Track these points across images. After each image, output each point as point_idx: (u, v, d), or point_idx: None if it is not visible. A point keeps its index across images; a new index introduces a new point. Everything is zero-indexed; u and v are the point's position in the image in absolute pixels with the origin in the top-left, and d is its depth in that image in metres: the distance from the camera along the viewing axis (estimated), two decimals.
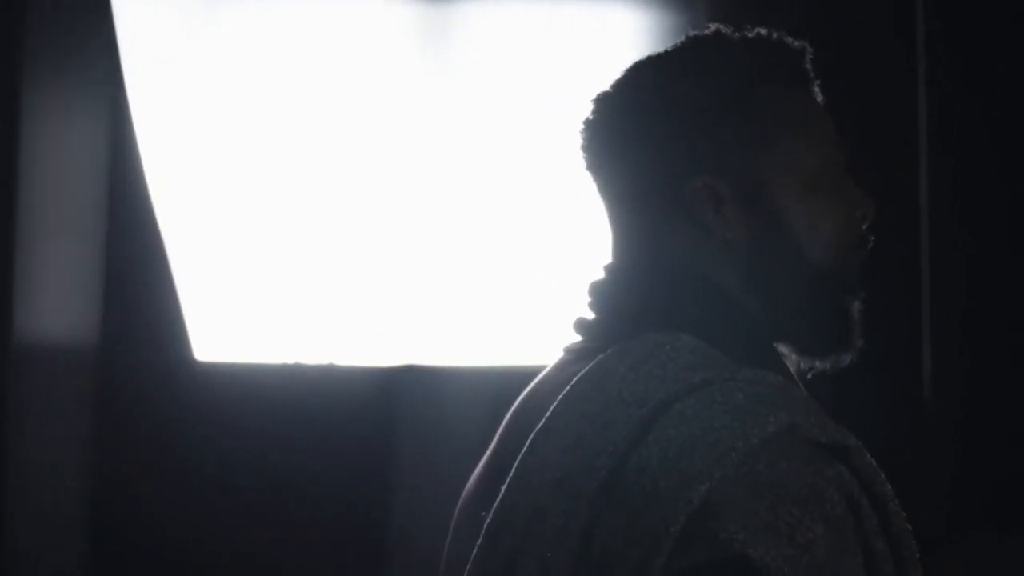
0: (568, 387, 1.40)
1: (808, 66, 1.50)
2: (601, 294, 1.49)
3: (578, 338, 1.51)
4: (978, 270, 3.04)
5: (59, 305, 2.76)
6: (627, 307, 1.46)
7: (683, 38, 1.52)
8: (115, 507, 2.76)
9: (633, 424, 1.33)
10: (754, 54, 1.47)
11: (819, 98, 1.51)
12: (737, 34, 1.50)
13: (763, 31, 1.49)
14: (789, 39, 1.50)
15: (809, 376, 1.49)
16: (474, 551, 1.37)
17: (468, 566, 1.38)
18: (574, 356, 1.48)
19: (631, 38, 2.99)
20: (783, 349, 1.49)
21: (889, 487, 1.36)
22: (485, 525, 1.37)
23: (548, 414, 1.39)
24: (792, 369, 1.49)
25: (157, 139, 2.83)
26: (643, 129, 1.47)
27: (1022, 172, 3.02)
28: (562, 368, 1.48)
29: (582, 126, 1.53)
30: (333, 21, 2.90)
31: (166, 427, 2.76)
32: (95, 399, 2.75)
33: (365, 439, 2.83)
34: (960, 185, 3.02)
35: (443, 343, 2.89)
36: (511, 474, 1.37)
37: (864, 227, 1.48)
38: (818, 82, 1.51)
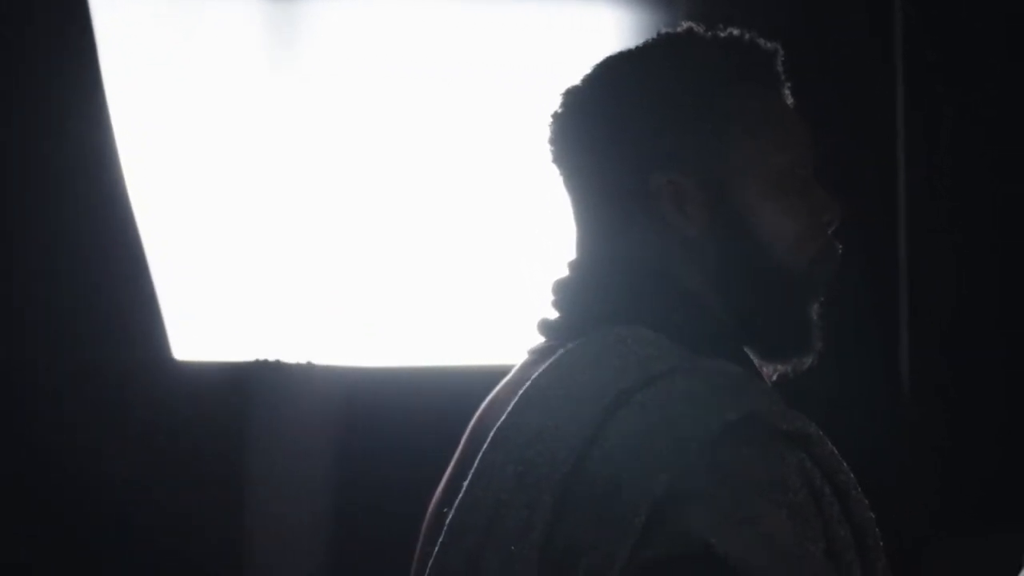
0: (528, 383, 1.40)
1: (780, 68, 1.49)
2: (564, 292, 1.49)
3: (542, 339, 1.51)
4: (956, 267, 3.05)
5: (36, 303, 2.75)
6: (589, 304, 1.46)
7: (655, 35, 1.51)
8: (97, 506, 2.75)
9: (594, 416, 1.33)
10: (726, 53, 1.47)
11: (790, 100, 1.51)
12: (710, 33, 1.49)
13: (736, 32, 1.49)
14: (762, 40, 1.49)
15: (774, 378, 1.48)
16: (436, 548, 1.37)
17: (430, 564, 1.38)
18: (537, 356, 1.48)
19: (602, 36, 2.99)
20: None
21: (851, 476, 1.35)
22: (447, 522, 1.37)
23: (509, 410, 1.39)
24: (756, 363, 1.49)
25: (135, 136, 2.82)
26: (610, 124, 1.47)
27: (999, 169, 3.03)
28: (525, 368, 1.48)
29: (550, 119, 1.52)
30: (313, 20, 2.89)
31: (144, 425, 2.75)
32: (73, 397, 2.74)
33: (341, 437, 2.82)
34: (938, 183, 3.03)
35: (419, 343, 2.89)
36: (472, 471, 1.37)
37: (831, 232, 1.47)
38: (789, 84, 1.50)
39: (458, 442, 1.51)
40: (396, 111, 2.90)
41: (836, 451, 1.36)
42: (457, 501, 1.37)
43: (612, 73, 1.49)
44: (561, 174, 1.53)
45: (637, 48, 1.50)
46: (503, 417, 1.39)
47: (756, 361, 1.47)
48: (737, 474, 1.27)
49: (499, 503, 1.34)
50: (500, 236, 2.92)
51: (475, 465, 1.38)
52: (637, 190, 1.45)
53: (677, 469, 1.26)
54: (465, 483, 1.37)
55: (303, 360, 2.83)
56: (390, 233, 2.90)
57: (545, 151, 1.54)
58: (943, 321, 3.04)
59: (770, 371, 1.48)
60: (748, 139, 1.45)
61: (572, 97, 1.51)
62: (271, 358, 2.82)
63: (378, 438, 2.82)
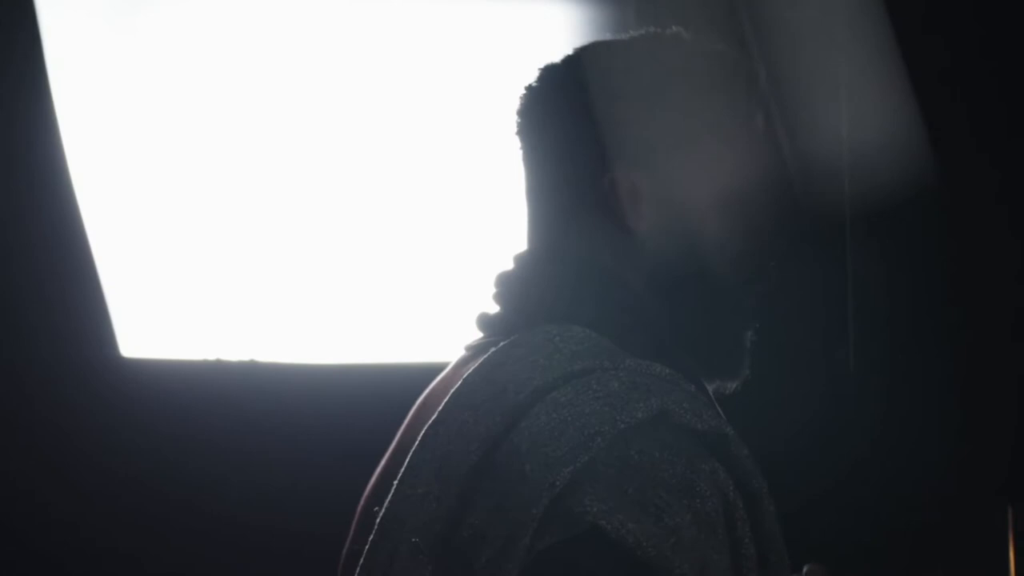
0: (459, 382, 1.41)
1: (759, 89, 1.49)
2: (505, 286, 1.49)
3: (480, 335, 1.50)
4: (899, 269, 3.07)
5: None
6: (527, 301, 1.46)
7: (644, 31, 1.51)
8: (36, 503, 2.74)
9: (508, 411, 1.34)
10: (710, 64, 1.46)
11: (762, 122, 1.50)
12: (699, 42, 1.48)
13: (725, 46, 1.48)
14: (748, 59, 1.49)
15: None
16: (367, 547, 1.38)
17: (360, 561, 1.39)
18: (472, 353, 1.49)
19: (552, 32, 3.00)
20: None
21: (765, 485, 1.35)
22: (378, 520, 1.38)
23: (439, 409, 1.40)
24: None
25: (80, 133, 2.80)
26: (579, 110, 1.46)
27: (941, 168, 3.05)
28: (458, 366, 1.49)
29: (523, 91, 1.51)
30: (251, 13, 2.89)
31: (90, 423, 2.74)
32: (19, 395, 2.73)
33: (288, 435, 2.83)
34: (883, 188, 3.05)
35: (361, 341, 2.89)
36: (402, 469, 1.39)
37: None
38: (765, 107, 1.49)
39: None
40: (345, 109, 2.90)
41: (751, 457, 1.36)
42: (388, 499, 1.39)
43: (592, 60, 1.49)
44: (521, 148, 1.52)
45: (622, 40, 1.50)
46: (433, 416, 1.40)
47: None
48: (644, 472, 1.27)
49: (420, 498, 1.35)
50: (441, 233, 2.92)
51: (405, 463, 1.39)
52: (592, 182, 1.45)
53: (581, 463, 1.27)
54: (395, 481, 1.39)
55: (245, 358, 2.83)
56: (331, 231, 2.90)
57: (507, 128, 1.53)
58: (886, 321, 3.07)
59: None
60: (713, 151, 1.45)
61: (548, 75, 1.50)
62: (212, 357, 2.81)
63: (320, 435, 2.82)
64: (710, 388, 1.47)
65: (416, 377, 1.62)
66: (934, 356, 3.07)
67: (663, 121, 1.44)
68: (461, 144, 2.89)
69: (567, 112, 1.46)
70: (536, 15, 3.03)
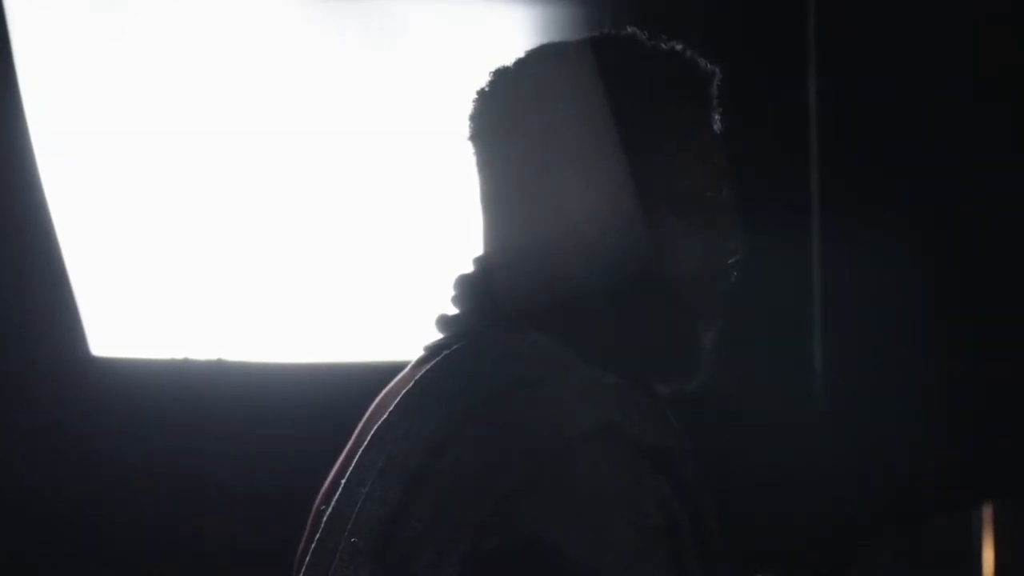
0: (411, 384, 1.40)
1: (713, 91, 1.47)
2: (462, 289, 1.48)
3: (439, 335, 1.50)
4: (869, 268, 3.08)
5: None
6: (483, 305, 1.45)
7: (596, 34, 1.50)
8: (6, 501, 2.73)
9: (455, 416, 1.33)
10: (659, 65, 1.45)
11: (717, 125, 1.49)
12: (651, 42, 1.47)
13: (678, 46, 1.47)
14: (701, 60, 1.47)
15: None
16: (312, 545, 1.39)
17: (307, 560, 1.39)
18: (428, 354, 1.48)
19: (520, 32, 3.00)
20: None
21: (712, 503, 1.35)
22: (324, 520, 1.38)
23: (390, 410, 1.39)
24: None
25: (49, 131, 2.80)
26: (528, 113, 1.45)
27: (912, 169, 3.06)
28: (417, 366, 1.48)
29: (475, 95, 1.50)
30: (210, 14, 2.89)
31: (61, 420, 2.74)
32: None
33: (256, 434, 2.82)
34: (850, 183, 3.06)
35: (329, 340, 2.89)
36: (350, 469, 1.39)
37: (729, 261, 1.45)
38: (720, 110, 1.48)
39: None
40: (318, 108, 2.91)
41: (699, 474, 1.36)
42: (334, 499, 1.39)
43: (541, 64, 1.48)
44: (475, 153, 1.50)
45: (572, 43, 1.49)
46: (383, 417, 1.40)
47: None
48: (587, 484, 1.27)
49: (364, 498, 1.35)
50: (413, 233, 2.92)
51: (352, 464, 1.39)
52: (543, 184, 1.44)
53: (524, 472, 1.27)
54: (342, 481, 1.39)
55: (213, 357, 2.83)
56: (301, 231, 2.90)
57: (461, 131, 1.52)
58: (855, 324, 3.07)
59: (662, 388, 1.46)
60: (662, 153, 1.43)
61: (500, 78, 1.49)
62: (180, 356, 2.81)
63: (288, 433, 2.82)
64: (667, 389, 1.45)
65: (384, 375, 1.62)
66: (906, 352, 3.08)
67: (609, 125, 1.43)
68: (439, 143, 2.89)
69: (518, 116, 1.45)
70: (513, 17, 3.04)
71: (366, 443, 1.39)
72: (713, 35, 3.12)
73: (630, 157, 1.43)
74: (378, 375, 1.64)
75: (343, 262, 2.91)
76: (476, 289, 1.46)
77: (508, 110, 1.47)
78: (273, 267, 2.89)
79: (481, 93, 1.49)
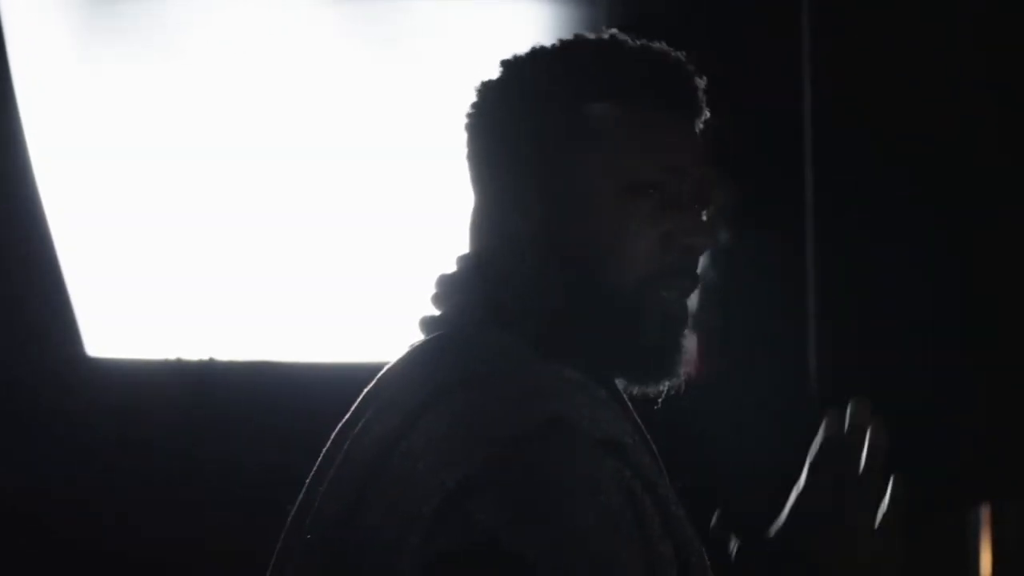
0: (372, 382, 1.42)
1: (686, 93, 1.45)
2: (441, 288, 1.48)
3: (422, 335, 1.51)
4: (863, 272, 3.08)
5: None
6: (455, 303, 1.45)
7: (564, 38, 1.49)
8: (11, 501, 2.74)
9: (408, 411, 1.34)
10: (613, 65, 1.44)
11: (697, 125, 1.47)
12: (614, 43, 1.46)
13: (647, 45, 1.45)
14: (670, 58, 1.45)
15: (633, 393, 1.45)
16: (278, 544, 1.41)
17: (272, 561, 1.41)
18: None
19: (525, 32, 3.00)
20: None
21: (672, 491, 1.35)
22: (289, 518, 1.40)
23: (352, 410, 1.41)
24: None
25: (46, 134, 2.81)
26: (494, 123, 1.46)
27: (905, 176, 3.06)
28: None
29: (469, 108, 1.50)
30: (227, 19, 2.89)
31: (57, 421, 2.74)
32: None
33: (253, 433, 2.83)
34: (845, 187, 3.06)
35: (324, 339, 2.90)
36: (313, 471, 1.40)
37: (689, 256, 1.43)
38: (706, 113, 1.46)
39: None
40: (308, 109, 2.91)
41: (654, 463, 1.36)
42: (299, 498, 1.41)
43: (508, 72, 1.49)
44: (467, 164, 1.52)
45: (538, 48, 1.49)
46: (346, 416, 1.41)
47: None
48: (541, 474, 1.26)
49: (323, 496, 1.37)
50: (408, 233, 2.92)
51: (317, 462, 1.41)
52: (495, 191, 1.45)
53: (474, 464, 1.27)
54: (307, 481, 1.41)
55: (204, 357, 2.84)
56: (295, 232, 2.91)
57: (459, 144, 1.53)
58: (847, 321, 3.07)
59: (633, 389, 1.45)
60: (600, 151, 1.43)
61: (483, 87, 1.50)
62: (172, 356, 2.82)
63: (279, 432, 2.82)
64: (635, 391, 1.44)
65: (375, 375, 1.63)
66: (903, 352, 3.08)
67: (551, 127, 1.43)
68: (435, 143, 2.90)
69: (488, 125, 1.47)
70: (511, 15, 3.04)
71: (329, 442, 1.41)
72: (708, 34, 3.12)
73: (568, 158, 1.43)
74: (370, 375, 1.64)
75: (336, 262, 2.92)
76: (454, 288, 1.47)
77: (481, 122, 1.48)
78: (265, 268, 2.89)
79: (471, 105, 1.49)
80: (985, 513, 3.15)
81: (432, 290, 1.49)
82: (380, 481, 1.31)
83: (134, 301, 2.85)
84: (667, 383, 1.43)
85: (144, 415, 2.78)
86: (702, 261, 1.46)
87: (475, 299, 1.44)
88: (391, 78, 2.93)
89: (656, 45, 1.45)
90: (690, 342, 1.44)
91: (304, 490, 1.41)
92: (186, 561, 2.79)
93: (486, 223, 1.46)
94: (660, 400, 1.43)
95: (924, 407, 3.08)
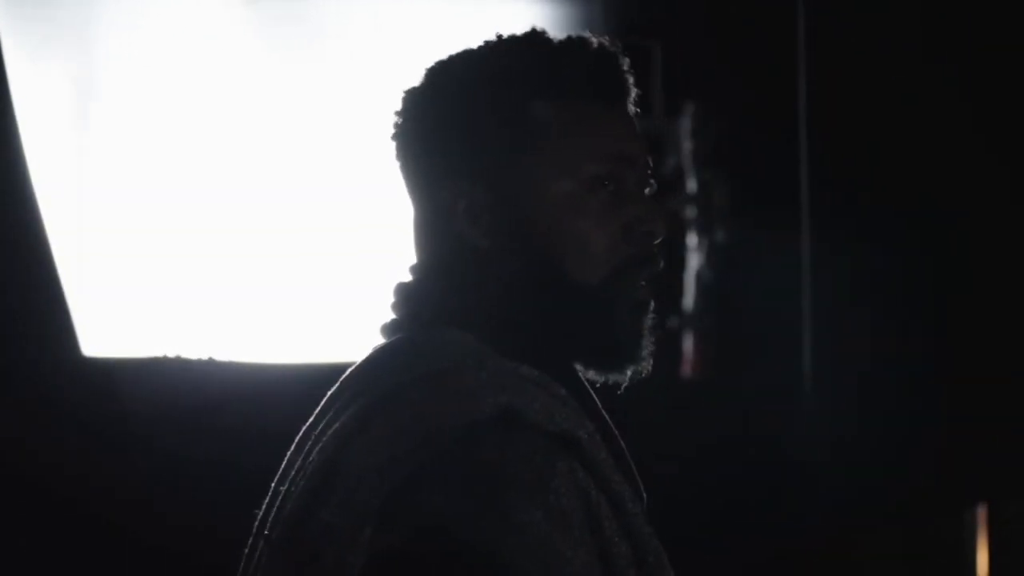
0: (337, 384, 1.42)
1: (617, 78, 1.45)
2: (398, 295, 1.48)
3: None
4: (858, 269, 3.08)
5: None
6: (412, 307, 1.45)
7: (489, 40, 1.48)
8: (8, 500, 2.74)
9: (364, 409, 1.34)
10: (544, 61, 1.44)
11: (630, 110, 1.47)
12: (542, 38, 1.46)
13: (574, 37, 1.45)
14: (600, 46, 1.45)
15: (597, 385, 1.46)
16: (247, 547, 1.42)
17: (242, 564, 1.43)
18: None
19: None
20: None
21: (627, 487, 1.34)
22: (256, 524, 1.41)
23: (316, 411, 1.42)
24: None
25: (41, 134, 2.80)
26: (426, 130, 1.46)
27: (900, 174, 3.07)
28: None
29: (395, 118, 1.50)
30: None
31: (53, 421, 2.74)
32: None
33: (250, 434, 2.82)
34: (840, 188, 3.06)
35: (321, 340, 2.89)
36: (279, 473, 1.42)
37: (650, 243, 1.44)
38: (634, 95, 1.46)
39: None
40: (297, 111, 2.91)
41: (612, 458, 1.35)
42: (265, 502, 1.43)
43: (436, 77, 1.48)
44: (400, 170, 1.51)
45: (463, 53, 1.48)
46: (310, 419, 1.42)
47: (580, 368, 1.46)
48: (492, 469, 1.27)
49: (283, 496, 1.38)
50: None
51: (281, 467, 1.43)
52: (439, 200, 1.44)
53: (425, 458, 1.28)
54: (272, 484, 1.43)
55: (204, 356, 2.83)
56: (292, 232, 2.90)
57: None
58: (844, 326, 3.08)
59: (597, 378, 1.45)
60: (548, 150, 1.42)
61: (407, 96, 1.49)
62: (171, 354, 2.82)
63: (276, 432, 2.82)
64: (604, 379, 1.45)
65: None
66: (899, 355, 3.09)
67: (492, 130, 1.42)
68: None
69: (420, 134, 1.46)
70: (504, 15, 3.04)
71: (293, 445, 1.42)
72: (704, 33, 3.12)
73: (514, 159, 1.42)
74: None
75: (333, 262, 2.92)
76: (412, 295, 1.46)
77: (412, 131, 1.47)
78: (262, 267, 2.89)
79: (397, 114, 1.49)
80: (981, 513, 3.15)
81: (391, 299, 1.48)
82: (335, 478, 1.31)
83: (130, 300, 2.85)
84: (636, 370, 1.44)
85: (140, 414, 2.78)
86: (661, 244, 1.46)
87: (433, 302, 1.44)
88: (388, 78, 2.93)
89: (577, 35, 1.45)
90: (656, 327, 1.45)
91: (270, 492, 1.42)
92: (183, 560, 2.79)
93: (434, 230, 1.45)
94: (624, 387, 1.44)
95: (919, 407, 3.09)
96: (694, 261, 3.52)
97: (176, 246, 2.86)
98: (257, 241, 2.90)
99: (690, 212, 3.56)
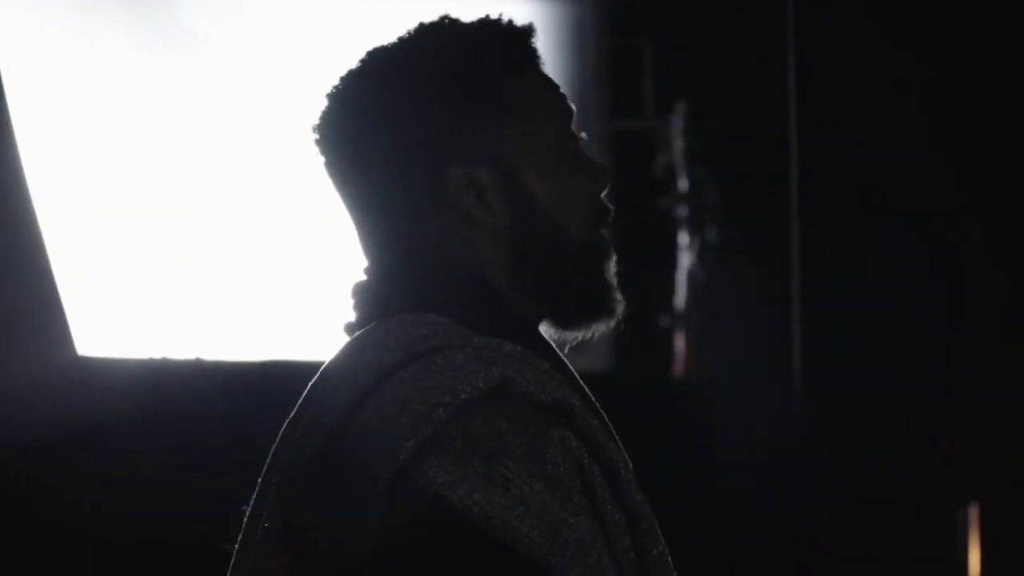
0: (316, 377, 1.43)
1: (535, 46, 1.49)
2: (360, 294, 1.48)
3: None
4: (848, 268, 3.09)
5: None
6: (380, 299, 1.45)
7: (415, 27, 1.49)
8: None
9: (354, 395, 1.34)
10: (487, 40, 1.46)
11: (546, 74, 1.51)
12: (465, 21, 1.48)
13: (489, 17, 1.48)
14: (514, 20, 1.48)
15: (566, 349, 1.49)
16: (238, 542, 1.42)
17: (232, 560, 1.43)
18: None
19: None
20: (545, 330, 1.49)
21: (623, 455, 1.36)
22: (246, 517, 1.42)
23: (298, 404, 1.42)
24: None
25: (35, 134, 2.80)
26: (390, 120, 1.45)
27: (891, 175, 3.07)
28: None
29: (318, 120, 1.49)
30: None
31: (48, 421, 2.74)
32: None
33: (241, 434, 2.82)
34: (830, 188, 3.07)
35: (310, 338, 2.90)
36: (265, 468, 1.42)
37: (605, 198, 1.49)
38: (543, 62, 1.50)
39: None
40: (285, 111, 2.90)
41: (602, 425, 1.38)
42: (254, 497, 1.42)
43: (382, 67, 1.47)
44: (333, 174, 1.50)
45: (399, 40, 1.48)
46: (292, 413, 1.42)
47: (554, 339, 1.48)
48: (489, 441, 1.28)
49: (276, 487, 1.38)
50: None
51: (268, 461, 1.43)
52: (432, 185, 1.44)
53: (424, 436, 1.28)
54: (259, 479, 1.43)
55: (191, 356, 2.84)
56: (280, 232, 2.90)
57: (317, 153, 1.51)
58: (834, 325, 3.08)
59: (572, 339, 1.49)
60: (523, 121, 1.45)
61: (342, 93, 1.48)
62: (158, 355, 2.82)
63: (265, 431, 2.82)
64: (589, 333, 1.48)
65: None
66: (888, 354, 3.09)
67: (474, 109, 1.44)
68: None
69: (380, 126, 1.45)
70: (494, 15, 3.04)
71: (277, 440, 1.42)
72: (694, 34, 3.13)
73: (501, 134, 1.45)
74: None
75: (322, 261, 2.92)
76: (373, 289, 1.47)
77: (364, 125, 1.46)
78: (254, 268, 2.89)
79: (324, 116, 1.49)
80: (973, 513, 3.16)
81: (351, 299, 1.48)
82: (332, 465, 1.32)
83: (124, 300, 2.85)
84: (614, 320, 1.48)
85: (134, 414, 2.78)
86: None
87: (402, 291, 1.44)
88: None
89: (486, 15, 1.48)
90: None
91: (258, 487, 1.42)
92: (174, 559, 2.79)
93: (402, 224, 1.45)
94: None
95: (910, 406, 3.09)
96: (685, 260, 3.53)
97: (171, 248, 2.86)
98: (250, 242, 2.90)
99: (681, 211, 3.58)
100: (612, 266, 1.48)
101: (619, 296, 1.48)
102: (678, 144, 3.48)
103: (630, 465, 1.39)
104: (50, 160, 2.81)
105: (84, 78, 2.85)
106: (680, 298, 3.48)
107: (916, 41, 3.05)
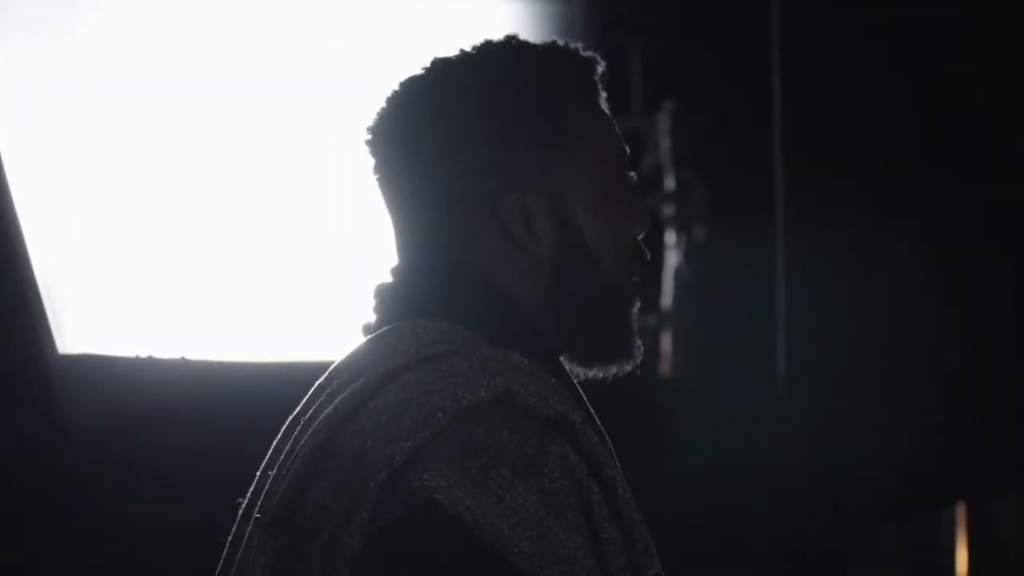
0: (326, 374, 1.44)
1: (598, 78, 1.50)
2: (382, 296, 1.49)
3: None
4: (833, 268, 3.09)
5: None
6: (399, 304, 1.46)
7: (485, 42, 1.49)
8: None
9: (358, 393, 1.36)
10: (555, 69, 1.47)
11: (607, 109, 1.52)
12: (532, 44, 1.48)
13: (558, 42, 1.48)
14: (582, 50, 1.49)
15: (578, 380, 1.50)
16: (231, 535, 1.43)
17: (224, 553, 1.44)
18: None
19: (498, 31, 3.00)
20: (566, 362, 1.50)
21: (619, 473, 1.37)
22: (240, 511, 1.43)
23: (304, 401, 1.44)
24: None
25: (14, 129, 2.80)
26: (449, 130, 1.45)
27: (875, 172, 3.07)
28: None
29: (374, 122, 1.50)
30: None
31: (28, 419, 2.73)
32: None
33: (225, 434, 2.82)
34: (815, 188, 3.07)
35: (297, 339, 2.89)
36: (265, 460, 1.44)
37: (644, 242, 1.49)
38: (604, 95, 1.51)
39: None
40: (269, 110, 2.90)
41: (603, 444, 1.38)
42: (250, 490, 1.44)
43: (449, 83, 1.47)
44: (381, 177, 1.51)
45: (466, 56, 1.48)
46: (298, 408, 1.44)
47: (567, 364, 1.49)
48: (488, 449, 1.28)
49: (272, 480, 1.40)
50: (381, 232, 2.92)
51: (268, 454, 1.44)
52: (484, 206, 1.45)
53: (421, 439, 1.29)
54: (258, 473, 1.44)
55: (177, 355, 2.83)
56: (269, 230, 2.90)
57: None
58: (819, 325, 3.09)
59: (586, 374, 1.49)
60: (580, 154, 1.46)
61: (402, 101, 1.49)
62: (143, 354, 2.81)
63: (250, 433, 2.82)
64: (606, 373, 1.49)
65: None
66: (873, 354, 3.09)
67: (536, 134, 1.45)
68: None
69: (436, 137, 1.46)
70: (483, 14, 3.04)
71: (280, 434, 1.44)
72: (680, 33, 3.13)
73: (559, 163, 1.45)
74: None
75: (312, 260, 2.91)
76: (395, 294, 1.48)
77: (417, 134, 1.46)
78: (239, 266, 2.89)
79: (383, 113, 1.49)
80: (961, 512, 3.16)
81: (372, 300, 1.49)
82: (329, 461, 1.33)
83: (106, 298, 2.84)
84: (632, 365, 1.49)
85: (116, 413, 2.78)
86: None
87: (419, 296, 1.45)
88: (379, 77, 2.92)
89: (558, 39, 1.49)
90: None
91: (256, 480, 1.44)
92: (163, 558, 2.79)
93: (442, 235, 1.46)
94: (601, 385, 1.47)
95: (896, 407, 3.09)
96: (672, 259, 3.54)
97: (154, 245, 2.86)
98: (236, 241, 2.89)
99: (668, 210, 3.58)
100: (636, 312, 1.48)
101: (639, 343, 1.49)
102: (665, 143, 3.48)
103: (627, 485, 1.39)
104: (30, 156, 2.81)
105: (65, 74, 2.84)
106: (667, 297, 3.48)
107: (901, 40, 3.05)
